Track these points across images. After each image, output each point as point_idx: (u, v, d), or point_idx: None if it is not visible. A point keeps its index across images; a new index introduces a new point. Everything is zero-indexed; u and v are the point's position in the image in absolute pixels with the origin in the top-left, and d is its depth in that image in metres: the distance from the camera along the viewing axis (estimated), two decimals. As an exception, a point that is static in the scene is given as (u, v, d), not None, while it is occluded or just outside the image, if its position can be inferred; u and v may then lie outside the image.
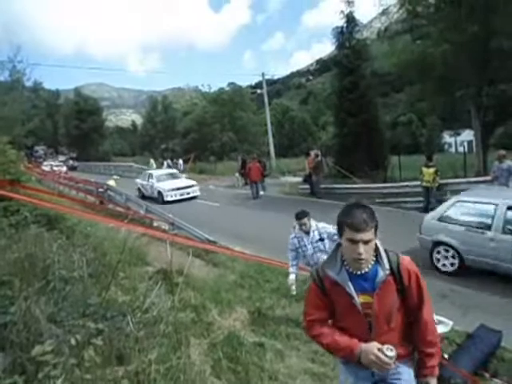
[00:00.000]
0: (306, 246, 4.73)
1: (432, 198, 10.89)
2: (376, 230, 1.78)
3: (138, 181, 18.56)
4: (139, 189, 18.06)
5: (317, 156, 15.71)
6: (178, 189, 16.20)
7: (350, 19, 19.18)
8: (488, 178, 10.11)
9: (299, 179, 18.56)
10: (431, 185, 10.86)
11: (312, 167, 15.17)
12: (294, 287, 4.83)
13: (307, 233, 4.70)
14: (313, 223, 4.75)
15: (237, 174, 20.55)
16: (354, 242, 1.74)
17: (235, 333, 4.21)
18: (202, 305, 4.86)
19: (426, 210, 10.92)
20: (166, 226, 9.80)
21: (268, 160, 25.81)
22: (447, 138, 40.90)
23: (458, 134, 27.52)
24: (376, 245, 1.84)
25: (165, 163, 27.28)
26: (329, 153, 20.55)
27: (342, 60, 19.31)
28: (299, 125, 50.38)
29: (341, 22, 19.25)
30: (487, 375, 3.80)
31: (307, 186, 15.85)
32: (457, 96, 14.68)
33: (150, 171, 18.95)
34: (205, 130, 40.40)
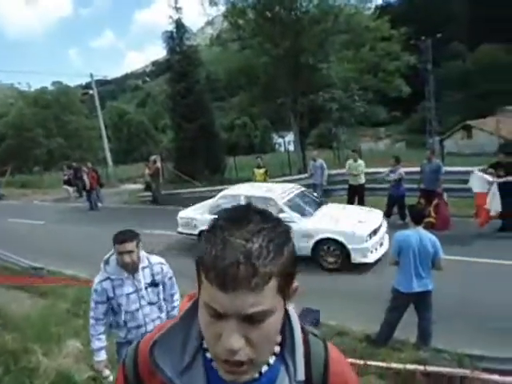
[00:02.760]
0: (127, 295, 2.73)
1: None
2: (288, 284, 0.71)
3: (202, 217, 8.50)
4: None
5: (155, 162, 15.42)
6: (374, 233, 7.08)
7: (180, 25, 19.44)
8: (307, 175, 11.71)
9: (140, 186, 17.91)
10: (263, 184, 11.90)
11: (151, 174, 14.83)
12: (108, 372, 2.86)
13: (132, 271, 2.73)
14: (143, 254, 2.82)
15: (65, 186, 18.42)
16: (218, 316, 0.66)
17: (65, 372, 3.78)
18: (22, 348, 4.20)
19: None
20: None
21: (105, 167, 24.06)
22: (277, 138, 45.76)
23: (283, 137, 31.29)
24: (289, 319, 0.81)
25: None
26: (169, 157, 20.43)
27: (175, 65, 19.45)
28: (137, 128, 48.51)
29: (170, 27, 19.38)
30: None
31: (149, 194, 15.41)
32: (278, 103, 16.53)
33: (253, 191, 8.48)
34: (25, 136, 35.00)
